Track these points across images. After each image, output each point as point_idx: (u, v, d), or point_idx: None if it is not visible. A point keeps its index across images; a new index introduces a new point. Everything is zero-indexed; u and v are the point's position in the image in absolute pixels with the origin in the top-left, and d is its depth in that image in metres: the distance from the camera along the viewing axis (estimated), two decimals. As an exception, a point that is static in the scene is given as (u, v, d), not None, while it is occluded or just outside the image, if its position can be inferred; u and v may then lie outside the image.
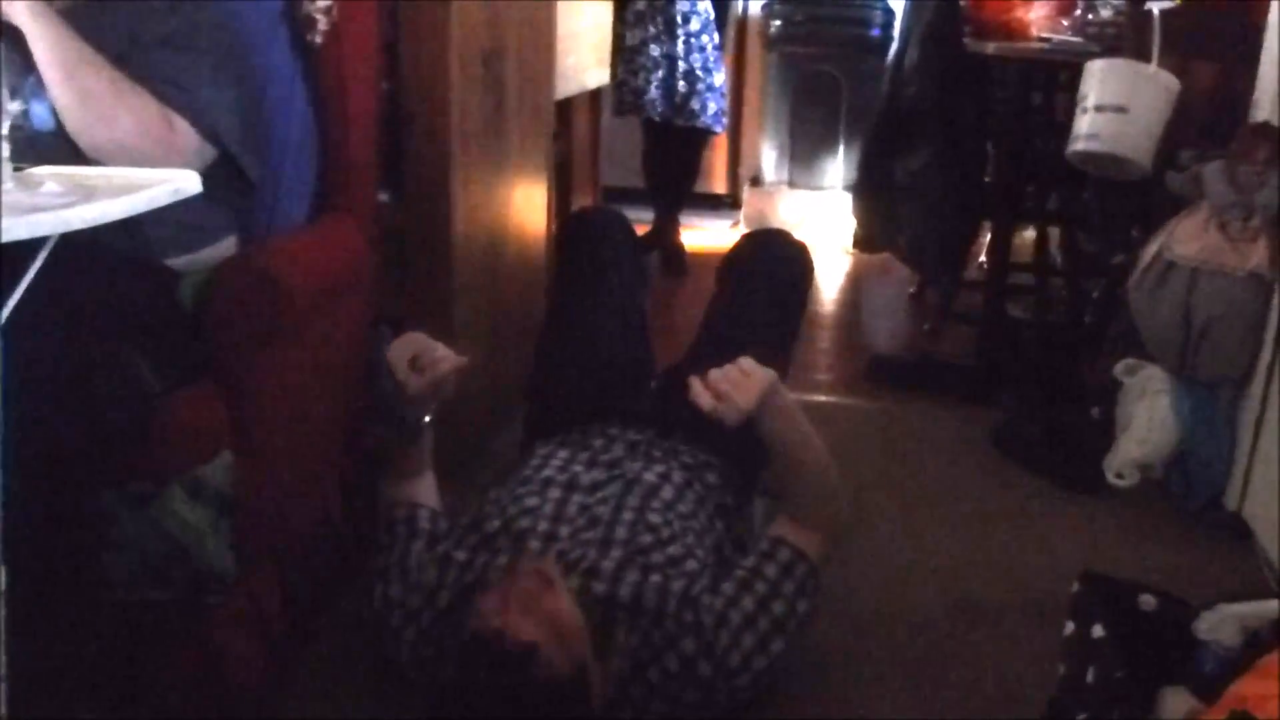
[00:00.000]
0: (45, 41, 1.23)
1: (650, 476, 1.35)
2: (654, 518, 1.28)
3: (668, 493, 1.34)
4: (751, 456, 1.55)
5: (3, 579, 0.97)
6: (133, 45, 1.29)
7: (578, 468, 1.37)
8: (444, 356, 1.36)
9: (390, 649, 1.28)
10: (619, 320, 1.63)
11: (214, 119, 1.32)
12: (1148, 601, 1.22)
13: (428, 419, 1.38)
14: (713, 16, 3.27)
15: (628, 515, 1.27)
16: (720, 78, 3.30)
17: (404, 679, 1.29)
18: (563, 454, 1.41)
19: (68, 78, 1.23)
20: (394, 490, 1.40)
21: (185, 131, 1.29)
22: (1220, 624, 1.14)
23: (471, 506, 1.42)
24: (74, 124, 1.25)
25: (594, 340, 1.59)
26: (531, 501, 1.30)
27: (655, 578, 1.20)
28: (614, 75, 3.18)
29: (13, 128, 1.01)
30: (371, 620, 1.30)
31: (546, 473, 1.36)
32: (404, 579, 1.28)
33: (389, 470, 1.41)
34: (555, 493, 1.31)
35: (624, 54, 3.20)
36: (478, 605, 1.11)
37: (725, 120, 3.39)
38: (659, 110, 3.24)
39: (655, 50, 3.20)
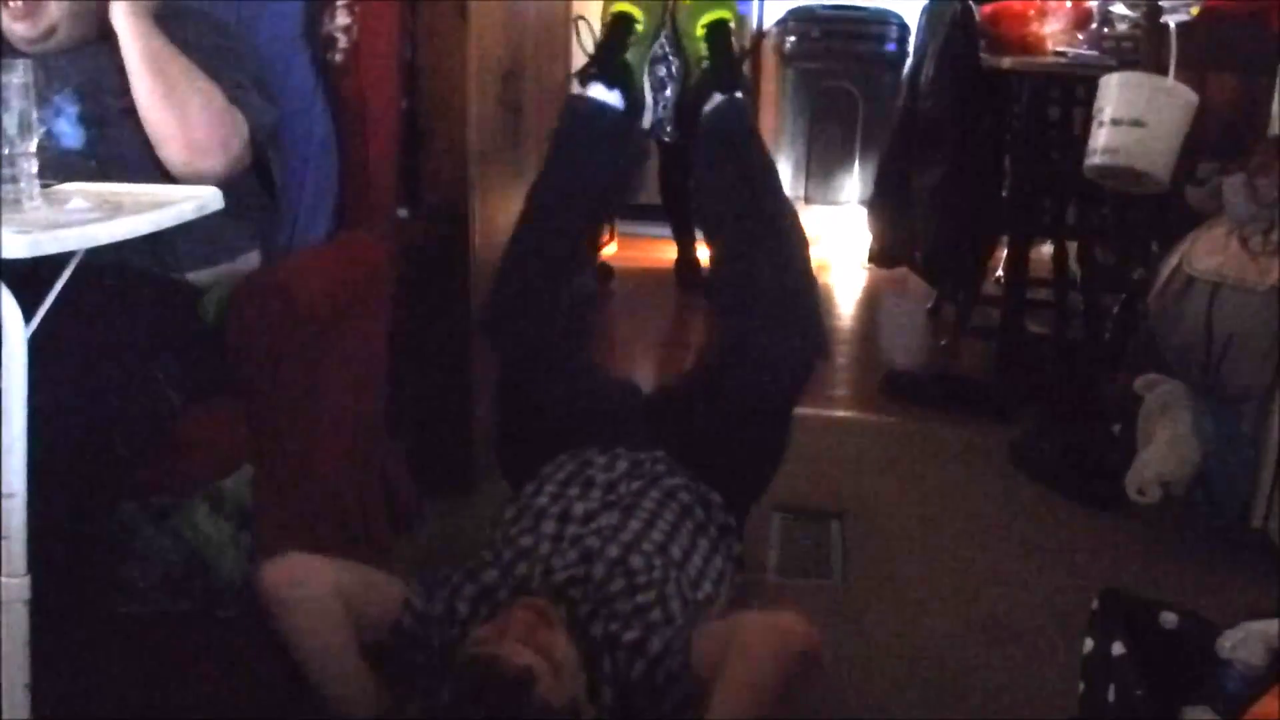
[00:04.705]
0: (141, 38, 1.30)
1: (649, 504, 1.31)
2: (636, 561, 1.23)
3: (663, 525, 1.29)
4: (750, 474, 1.51)
5: (26, 589, 0.99)
6: (188, 50, 1.35)
7: (573, 491, 1.33)
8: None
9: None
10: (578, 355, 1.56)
11: (261, 121, 1.38)
12: (1169, 619, 1.20)
13: None
14: None
15: (613, 551, 1.24)
16: None
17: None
18: (560, 476, 1.36)
19: (154, 66, 1.29)
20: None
21: (241, 127, 1.35)
22: (1244, 642, 1.12)
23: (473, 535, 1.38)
24: (147, 101, 1.31)
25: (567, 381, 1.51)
26: (526, 541, 1.26)
27: (613, 626, 1.17)
28: (624, 94, 3.21)
29: (39, 146, 1.03)
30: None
31: (541, 500, 1.32)
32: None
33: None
34: (549, 527, 1.27)
35: None
36: (473, 634, 1.10)
37: None
38: (669, 131, 3.26)
39: (662, 71, 3.22)
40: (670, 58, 3.22)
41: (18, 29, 1.33)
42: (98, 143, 1.32)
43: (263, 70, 1.44)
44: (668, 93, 3.23)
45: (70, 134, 1.32)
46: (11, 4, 1.32)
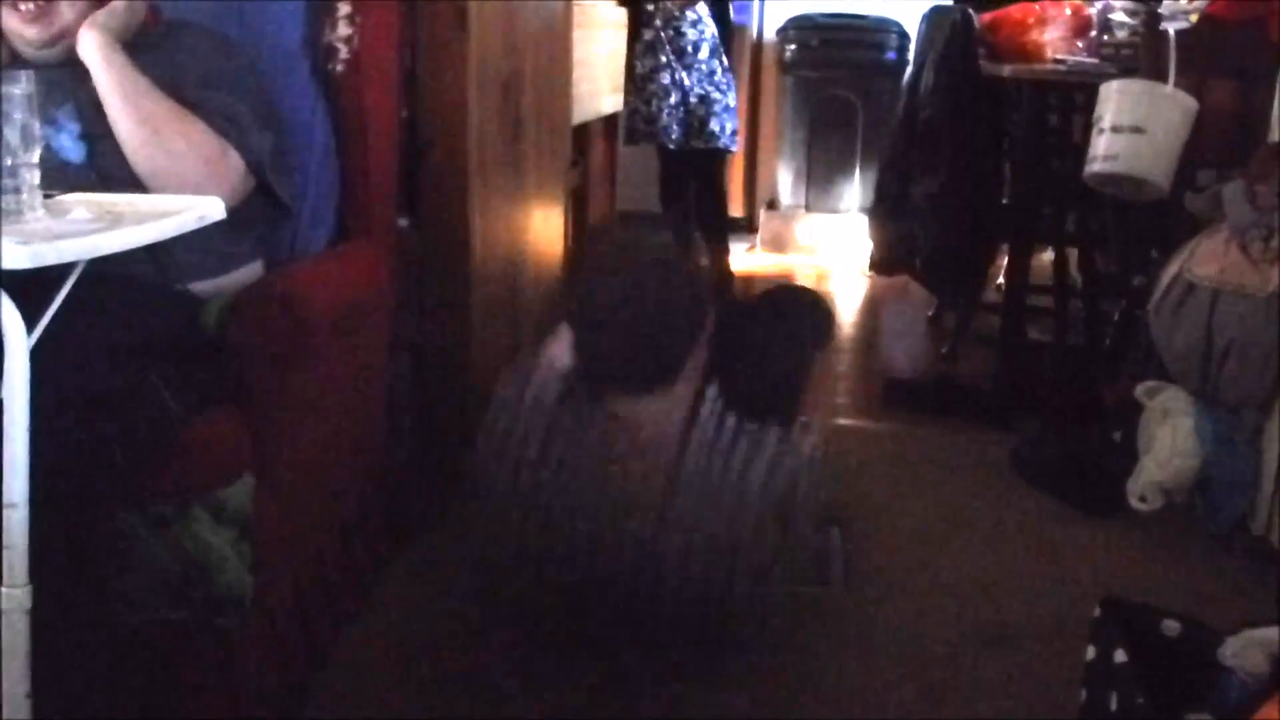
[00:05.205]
0: (112, 71, 1.29)
1: None
2: None
3: None
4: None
5: (28, 599, 0.99)
6: (174, 86, 1.34)
7: None
8: None
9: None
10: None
11: (258, 153, 1.37)
12: (1171, 627, 1.20)
13: None
14: (719, 40, 3.31)
15: None
16: (733, 98, 3.34)
17: (423, 700, 1.28)
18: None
19: (133, 106, 1.29)
20: None
21: (235, 161, 1.35)
22: (1245, 650, 1.12)
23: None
24: (134, 147, 1.30)
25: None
26: None
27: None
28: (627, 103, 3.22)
29: (39, 159, 1.04)
30: None
31: None
32: None
33: None
34: None
35: (635, 82, 3.23)
36: None
37: (737, 138, 3.43)
38: (673, 137, 3.27)
39: (665, 78, 3.24)
40: (673, 65, 3.24)
41: (29, 32, 1.33)
42: (97, 158, 1.32)
43: (262, 84, 1.44)
44: (672, 99, 3.25)
45: (71, 149, 1.32)
46: (23, 6, 1.31)
